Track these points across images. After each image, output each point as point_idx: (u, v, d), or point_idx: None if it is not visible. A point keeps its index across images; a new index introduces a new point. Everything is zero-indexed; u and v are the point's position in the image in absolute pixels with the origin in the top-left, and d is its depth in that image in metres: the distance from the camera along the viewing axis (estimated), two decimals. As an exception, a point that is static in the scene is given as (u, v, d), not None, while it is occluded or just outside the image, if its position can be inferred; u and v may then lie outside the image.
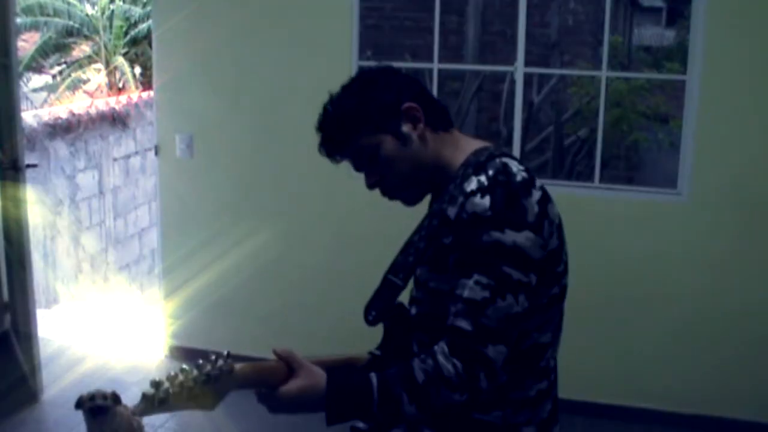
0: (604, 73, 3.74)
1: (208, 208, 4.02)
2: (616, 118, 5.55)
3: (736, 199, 3.44)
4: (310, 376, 1.29)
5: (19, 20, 10.25)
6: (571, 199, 3.62)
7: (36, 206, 5.71)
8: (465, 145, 1.46)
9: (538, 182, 1.37)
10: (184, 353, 4.14)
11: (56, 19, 11.46)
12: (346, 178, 3.79)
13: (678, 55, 5.78)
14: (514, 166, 1.35)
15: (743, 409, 3.53)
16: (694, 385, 3.58)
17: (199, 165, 3.98)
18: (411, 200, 1.48)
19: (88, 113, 6.96)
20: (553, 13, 5.93)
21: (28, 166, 3.67)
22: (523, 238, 1.28)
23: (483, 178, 1.33)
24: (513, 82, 3.78)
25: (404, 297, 1.52)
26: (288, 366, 1.31)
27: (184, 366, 1.24)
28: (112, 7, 11.96)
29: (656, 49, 7.05)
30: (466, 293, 1.27)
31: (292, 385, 1.28)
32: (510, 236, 1.28)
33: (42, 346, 3.78)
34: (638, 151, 6.10)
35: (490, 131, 5.88)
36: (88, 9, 12.32)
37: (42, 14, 11.35)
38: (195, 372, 1.22)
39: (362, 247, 3.69)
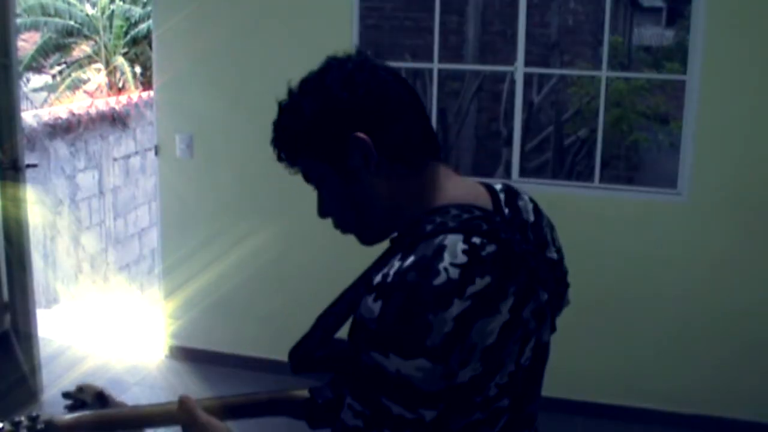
0: (604, 73, 3.74)
1: (208, 208, 4.03)
2: (616, 118, 5.56)
3: (736, 199, 3.45)
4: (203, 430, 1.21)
5: (19, 20, 10.26)
6: (571, 199, 3.63)
7: (36, 206, 5.71)
8: (431, 195, 1.13)
9: (483, 281, 0.99)
10: (184, 353, 4.15)
11: (56, 19, 11.47)
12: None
13: (678, 55, 5.79)
14: (449, 257, 1.00)
15: (743, 409, 3.53)
16: (694, 385, 3.58)
17: (199, 165, 3.98)
18: (364, 241, 1.23)
19: (88, 113, 6.96)
20: (553, 13, 5.94)
21: (28, 166, 3.67)
22: (411, 367, 0.96)
23: (394, 270, 1.00)
24: (513, 82, 3.78)
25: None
26: (186, 414, 1.24)
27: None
28: (112, 7, 11.96)
29: (656, 49, 7.06)
30: (341, 412, 1.04)
31: None
32: (394, 363, 0.97)
33: (42, 346, 3.78)
34: (638, 151, 6.11)
35: (490, 131, 5.89)
36: (88, 9, 12.33)
37: (43, 14, 11.36)
38: (9, 428, 1.16)
39: (362, 247, 3.68)
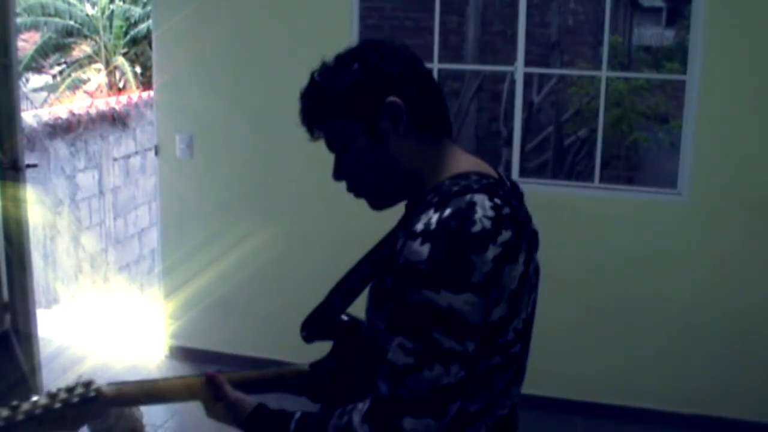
0: (604, 73, 3.74)
1: (208, 208, 4.03)
2: (616, 118, 5.56)
3: (736, 199, 3.45)
4: (234, 408, 1.28)
5: (19, 20, 10.26)
6: (571, 199, 3.63)
7: (36, 206, 5.70)
8: (450, 164, 1.25)
9: (507, 234, 1.13)
10: (184, 353, 4.15)
11: (56, 19, 11.47)
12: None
13: (678, 55, 5.79)
14: (480, 210, 1.12)
15: (743, 409, 3.53)
16: (694, 385, 3.58)
17: (199, 165, 3.98)
18: (376, 204, 1.32)
19: (88, 113, 6.96)
20: (553, 13, 5.94)
21: (28, 166, 3.67)
22: (461, 301, 1.08)
23: (434, 219, 1.12)
24: (513, 82, 3.78)
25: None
26: (214, 391, 1.29)
27: (37, 396, 1.21)
28: (112, 7, 11.96)
29: (656, 49, 7.06)
30: (389, 354, 1.12)
31: (220, 410, 1.29)
32: (445, 298, 1.08)
33: (42, 346, 3.77)
34: (638, 151, 6.11)
35: (490, 131, 5.89)
36: (88, 9, 12.33)
37: (43, 14, 11.36)
38: (46, 400, 1.20)
39: (362, 247, 3.68)
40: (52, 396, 1.21)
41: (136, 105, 7.79)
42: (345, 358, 1.36)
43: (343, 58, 1.27)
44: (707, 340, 3.55)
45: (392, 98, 1.22)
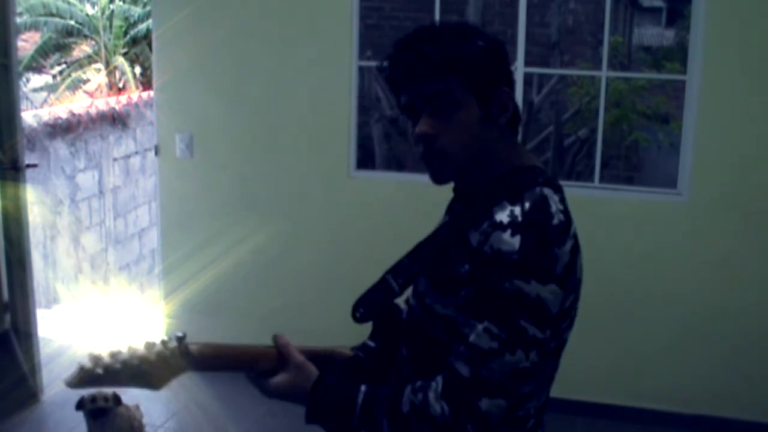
0: (604, 73, 3.75)
1: (208, 208, 4.03)
2: (616, 118, 5.55)
3: (735, 199, 3.45)
4: (300, 373, 1.28)
5: (19, 20, 10.26)
6: (571, 199, 3.61)
7: (36, 206, 5.71)
8: (514, 157, 1.31)
9: (573, 226, 1.23)
10: (184, 353, 4.15)
11: (57, 19, 11.48)
12: (346, 178, 3.80)
13: (678, 55, 5.78)
14: (554, 204, 1.20)
15: (743, 409, 3.53)
16: (694, 385, 3.58)
17: (199, 165, 3.98)
18: (442, 177, 1.30)
19: (88, 113, 6.96)
20: (553, 13, 5.93)
21: (28, 166, 3.68)
22: (547, 291, 1.15)
23: (517, 211, 1.17)
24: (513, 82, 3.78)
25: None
26: (281, 356, 1.30)
27: (132, 345, 1.20)
28: (112, 7, 11.97)
29: (656, 49, 7.05)
30: (472, 338, 1.15)
31: (282, 379, 1.28)
32: (534, 288, 1.14)
33: (42, 346, 3.78)
34: (638, 151, 6.10)
35: (490, 131, 5.87)
36: (89, 9, 12.34)
37: (44, 14, 11.37)
38: (142, 351, 1.19)
39: (362, 247, 3.69)
40: (149, 347, 1.19)
41: (136, 105, 7.79)
42: (386, 341, 1.41)
43: (471, 27, 1.29)
44: (707, 340, 3.55)
45: (506, 89, 1.28)
